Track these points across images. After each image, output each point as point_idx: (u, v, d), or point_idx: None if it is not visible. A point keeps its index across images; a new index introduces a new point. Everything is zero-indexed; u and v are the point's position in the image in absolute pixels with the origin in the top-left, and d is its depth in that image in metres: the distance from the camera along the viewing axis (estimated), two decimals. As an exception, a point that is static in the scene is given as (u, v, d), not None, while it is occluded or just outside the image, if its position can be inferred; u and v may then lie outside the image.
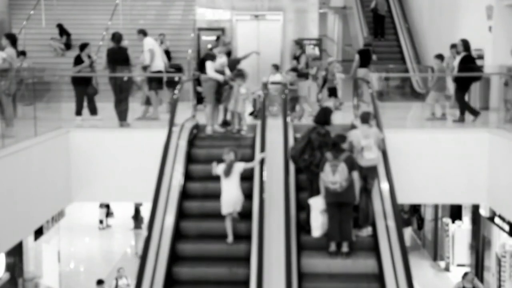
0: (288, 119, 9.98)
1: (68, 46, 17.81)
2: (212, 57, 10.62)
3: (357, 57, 14.15)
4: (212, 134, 10.49)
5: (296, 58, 13.17)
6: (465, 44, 11.28)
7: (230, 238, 8.18)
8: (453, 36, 13.79)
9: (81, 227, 20.82)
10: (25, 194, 8.77)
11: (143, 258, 7.44)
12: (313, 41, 17.66)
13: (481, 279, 14.82)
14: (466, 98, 11.52)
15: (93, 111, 11.41)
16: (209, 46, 13.22)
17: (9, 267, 13.65)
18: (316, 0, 18.09)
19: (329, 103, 12.68)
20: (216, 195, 8.26)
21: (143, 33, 11.88)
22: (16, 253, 13.73)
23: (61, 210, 14.17)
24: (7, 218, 8.30)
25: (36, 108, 9.88)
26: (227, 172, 8.08)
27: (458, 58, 11.33)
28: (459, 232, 16.33)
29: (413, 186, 9.86)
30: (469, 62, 11.22)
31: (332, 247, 7.91)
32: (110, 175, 10.20)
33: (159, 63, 11.82)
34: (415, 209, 18.79)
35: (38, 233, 14.25)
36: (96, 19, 18.85)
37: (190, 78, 12.32)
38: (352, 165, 7.80)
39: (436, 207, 17.69)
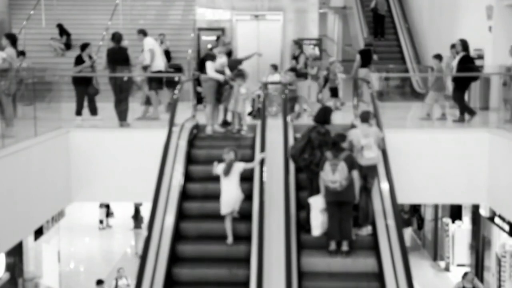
0: (288, 118, 9.98)
1: (68, 46, 17.80)
2: (212, 57, 10.61)
3: (358, 57, 14.15)
4: (212, 134, 10.48)
5: (295, 58, 13.18)
6: (464, 44, 11.28)
7: (230, 239, 8.17)
8: (453, 36, 13.77)
9: (81, 227, 20.81)
10: (25, 194, 8.77)
11: (143, 258, 7.43)
12: (313, 41, 17.66)
13: (481, 279, 14.81)
14: (466, 98, 11.53)
15: (94, 111, 11.41)
16: (209, 46, 13.24)
17: (9, 267, 13.64)
18: (316, 0, 18.10)
19: (330, 103, 12.68)
20: (216, 196, 8.25)
21: (143, 33, 11.88)
22: (16, 253, 13.72)
23: (61, 210, 14.17)
24: (7, 218, 8.30)
25: (36, 108, 9.87)
26: (227, 172, 8.07)
27: (457, 58, 11.34)
28: (459, 232, 16.32)
29: (413, 186, 9.86)
30: (468, 62, 11.23)
31: (332, 246, 7.92)
32: (110, 175, 10.19)
33: (160, 63, 11.82)
34: (415, 209, 18.78)
35: (38, 233, 14.24)
36: (96, 19, 18.83)
37: (190, 78, 12.31)
38: (352, 164, 7.81)
39: (436, 207, 17.68)
